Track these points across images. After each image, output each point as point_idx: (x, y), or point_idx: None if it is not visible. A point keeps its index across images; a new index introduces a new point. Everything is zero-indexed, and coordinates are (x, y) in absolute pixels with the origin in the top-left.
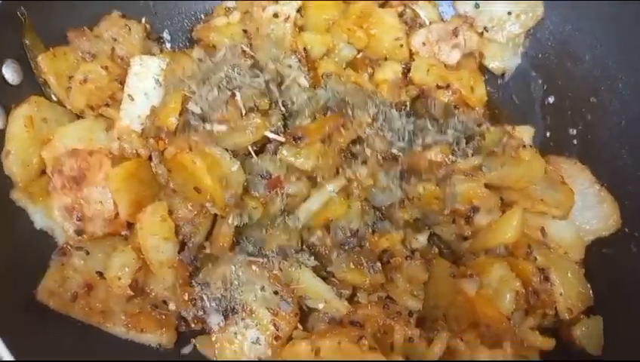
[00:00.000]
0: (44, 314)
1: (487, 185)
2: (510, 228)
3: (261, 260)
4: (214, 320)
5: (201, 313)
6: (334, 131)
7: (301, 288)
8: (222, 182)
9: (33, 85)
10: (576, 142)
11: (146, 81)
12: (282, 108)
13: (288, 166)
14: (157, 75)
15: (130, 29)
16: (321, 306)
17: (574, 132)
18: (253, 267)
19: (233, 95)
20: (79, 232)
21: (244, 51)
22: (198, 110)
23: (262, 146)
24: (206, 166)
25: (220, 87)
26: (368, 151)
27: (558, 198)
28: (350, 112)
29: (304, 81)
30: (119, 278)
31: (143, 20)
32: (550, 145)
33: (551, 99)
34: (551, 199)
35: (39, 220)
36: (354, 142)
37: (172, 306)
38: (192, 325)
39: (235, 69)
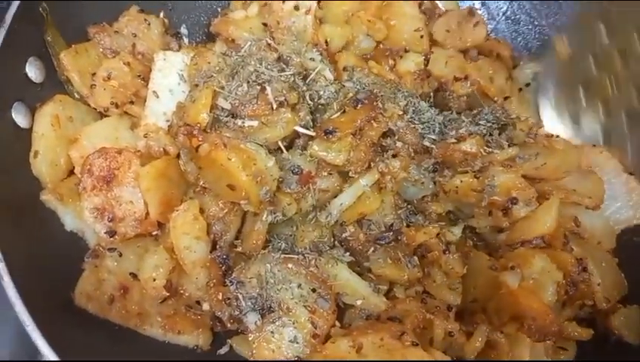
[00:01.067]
0: (83, 316)
1: (523, 176)
2: (549, 218)
3: (297, 257)
4: (251, 319)
5: (237, 312)
6: (365, 124)
7: (338, 284)
8: (257, 178)
9: (55, 83)
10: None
11: (170, 77)
12: (309, 102)
13: (319, 161)
14: (181, 71)
15: (149, 24)
16: (359, 303)
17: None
18: (289, 264)
19: (263, 89)
20: (111, 233)
21: (269, 44)
22: (227, 105)
23: (290, 141)
24: (241, 162)
25: (249, 81)
26: (399, 144)
27: (590, 188)
28: (380, 104)
29: (329, 74)
30: (154, 279)
31: (162, 15)
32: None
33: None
34: (584, 189)
35: (70, 222)
36: (384, 135)
37: (206, 306)
38: (228, 325)
39: (264, 63)
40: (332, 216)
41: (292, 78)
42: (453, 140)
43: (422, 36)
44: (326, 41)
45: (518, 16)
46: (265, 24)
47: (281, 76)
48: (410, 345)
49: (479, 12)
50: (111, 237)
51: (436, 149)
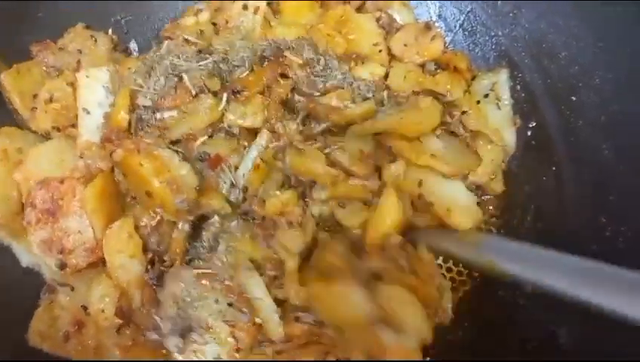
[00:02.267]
0: (40, 355)
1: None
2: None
3: (210, 271)
4: (172, 343)
5: (157, 336)
6: (273, 81)
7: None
8: (171, 186)
9: (8, 115)
10: (559, 139)
11: (97, 91)
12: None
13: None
14: (106, 84)
15: (96, 41)
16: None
17: (556, 130)
18: (203, 280)
19: (180, 79)
20: (62, 266)
21: (187, 40)
22: (148, 102)
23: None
24: (153, 168)
25: (166, 75)
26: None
27: (454, 157)
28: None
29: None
30: (102, 311)
31: (110, 31)
32: (532, 144)
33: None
34: (445, 156)
35: (25, 257)
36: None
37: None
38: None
39: (181, 56)
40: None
41: (211, 65)
42: (318, 94)
43: (380, 50)
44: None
45: (474, 28)
46: (214, 23)
47: (199, 65)
48: None
49: (436, 25)
50: (62, 269)
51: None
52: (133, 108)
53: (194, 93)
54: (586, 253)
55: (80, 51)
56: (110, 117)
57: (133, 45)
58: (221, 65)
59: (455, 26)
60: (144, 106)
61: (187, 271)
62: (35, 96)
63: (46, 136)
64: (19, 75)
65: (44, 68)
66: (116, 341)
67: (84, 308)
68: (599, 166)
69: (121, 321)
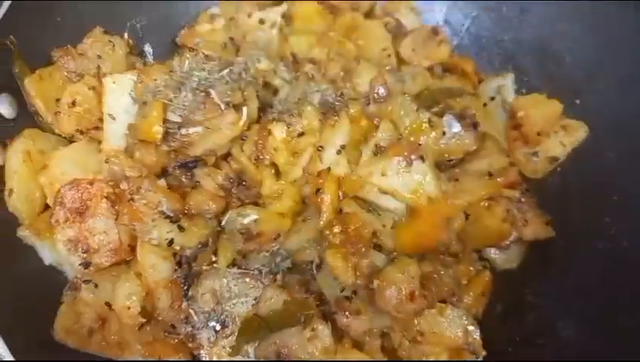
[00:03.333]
0: (64, 350)
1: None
2: None
3: (252, 272)
4: (205, 336)
5: (190, 329)
6: None
7: None
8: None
9: (27, 117)
10: None
11: (123, 98)
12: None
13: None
14: (131, 91)
15: (114, 46)
16: None
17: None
18: (247, 279)
19: (207, 94)
20: (86, 265)
21: (206, 55)
22: (177, 118)
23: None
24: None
25: (194, 92)
26: None
27: None
28: None
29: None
30: (128, 308)
31: (126, 35)
32: None
33: None
34: None
35: (48, 256)
36: None
37: (179, 329)
38: (189, 344)
39: (206, 69)
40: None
41: (235, 76)
42: None
43: (389, 55)
44: (292, 53)
45: (480, 33)
46: (232, 38)
47: (222, 77)
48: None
49: (443, 29)
50: (86, 268)
51: None
52: (163, 121)
53: (223, 107)
54: (590, 250)
55: (99, 56)
56: (141, 128)
57: (148, 49)
58: (243, 75)
59: (461, 31)
60: (173, 121)
61: (232, 269)
62: (57, 100)
63: (69, 139)
64: (41, 80)
65: (65, 73)
66: (137, 337)
67: (108, 304)
68: (603, 167)
69: (144, 320)
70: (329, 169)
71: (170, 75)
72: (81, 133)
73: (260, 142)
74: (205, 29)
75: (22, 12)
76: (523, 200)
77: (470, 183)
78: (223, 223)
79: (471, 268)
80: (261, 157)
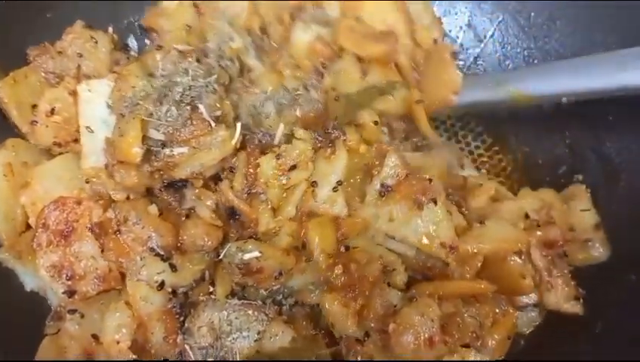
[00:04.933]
0: None
1: None
2: None
3: (256, 303)
4: None
5: None
6: None
7: None
8: None
9: (10, 126)
10: (592, 159)
11: (99, 107)
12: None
13: None
14: (108, 99)
15: (96, 42)
16: None
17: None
18: (250, 311)
19: (194, 108)
20: (71, 293)
21: (181, 52)
22: (161, 136)
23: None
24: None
25: (178, 103)
26: None
27: None
28: None
29: (256, 64)
30: (117, 342)
31: (110, 30)
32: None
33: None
34: None
35: (29, 281)
36: None
37: None
38: None
39: (188, 73)
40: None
41: (216, 85)
42: None
43: None
44: (261, 28)
45: (505, 39)
46: (197, 6)
47: (207, 86)
48: None
49: (465, 34)
50: (70, 297)
51: None
52: (143, 139)
53: (213, 125)
54: (619, 279)
55: (80, 55)
56: (118, 147)
57: (132, 43)
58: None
59: (485, 37)
60: (155, 139)
61: (232, 300)
62: (34, 106)
63: (50, 151)
64: (15, 83)
65: (42, 74)
66: None
67: (95, 337)
68: (636, 188)
69: (134, 356)
70: (309, 214)
71: (149, 80)
72: (59, 145)
73: (250, 172)
74: (171, 5)
75: (8, 9)
76: (556, 262)
77: (497, 230)
78: (222, 256)
79: (496, 309)
80: (253, 191)
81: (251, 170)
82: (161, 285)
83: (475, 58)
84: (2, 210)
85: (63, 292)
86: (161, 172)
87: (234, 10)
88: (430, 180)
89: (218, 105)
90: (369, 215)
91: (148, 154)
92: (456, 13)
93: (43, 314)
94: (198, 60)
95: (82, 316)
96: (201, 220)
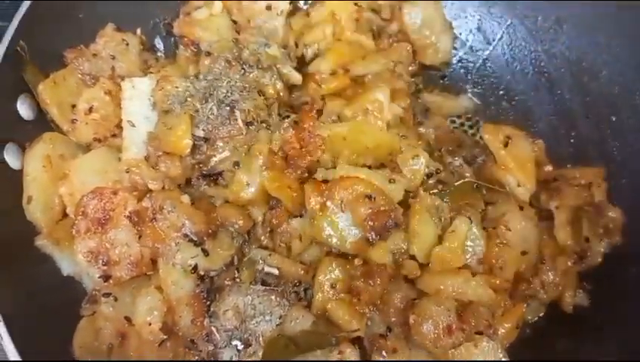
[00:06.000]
0: None
1: None
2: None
3: (280, 289)
4: (227, 355)
5: (211, 347)
6: None
7: None
8: None
9: (48, 120)
10: (597, 158)
11: (143, 103)
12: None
13: None
14: (151, 96)
15: (127, 44)
16: None
17: (594, 150)
18: (272, 296)
19: (232, 109)
20: (105, 277)
21: (228, 61)
22: (201, 133)
23: None
24: None
25: (219, 104)
26: None
27: None
28: None
29: (293, 73)
30: (149, 324)
31: (139, 32)
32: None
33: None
34: None
35: (66, 267)
36: None
37: (200, 346)
38: None
39: (231, 79)
40: None
41: (261, 99)
42: None
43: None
44: (296, 44)
45: (513, 42)
46: (234, 21)
47: (248, 94)
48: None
49: (474, 37)
50: (105, 281)
51: None
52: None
53: (244, 131)
54: (621, 272)
55: (113, 57)
56: (166, 140)
57: (159, 44)
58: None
59: (494, 40)
60: (197, 136)
61: (256, 285)
62: (73, 106)
63: (87, 146)
64: (55, 85)
65: (79, 75)
66: (158, 353)
67: (128, 319)
68: (638, 186)
69: (165, 336)
70: None
71: (192, 81)
72: (99, 141)
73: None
74: (202, 15)
75: (43, 13)
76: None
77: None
78: (247, 256)
79: (506, 299)
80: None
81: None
82: (195, 268)
83: (484, 60)
84: (42, 200)
85: (99, 277)
86: (201, 164)
87: (271, 26)
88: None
89: (253, 111)
90: None
91: (193, 148)
92: (466, 17)
93: (78, 298)
94: (243, 69)
95: (116, 299)
96: (234, 206)
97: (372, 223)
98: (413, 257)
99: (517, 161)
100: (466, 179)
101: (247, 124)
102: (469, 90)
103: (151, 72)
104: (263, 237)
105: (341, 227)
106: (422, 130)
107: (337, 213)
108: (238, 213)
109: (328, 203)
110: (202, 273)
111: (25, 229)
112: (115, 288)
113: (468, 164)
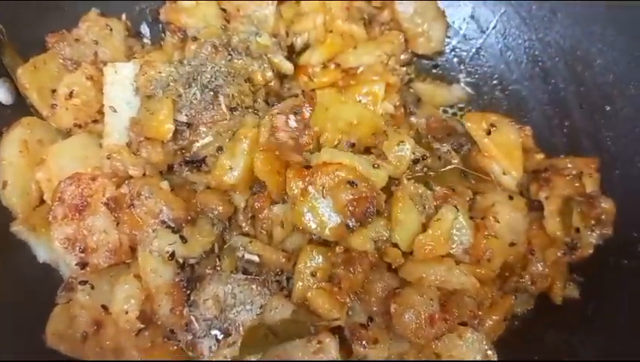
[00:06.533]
0: (56, 355)
1: None
2: None
3: (261, 278)
4: (206, 344)
5: (190, 337)
6: None
7: None
8: None
9: (27, 105)
10: (590, 148)
11: (125, 89)
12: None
13: None
14: (134, 82)
15: (111, 30)
16: None
17: (588, 139)
18: (253, 285)
19: (216, 96)
20: (83, 265)
21: (215, 46)
22: (184, 118)
23: None
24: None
25: (202, 89)
26: None
27: None
28: None
29: (284, 62)
30: (126, 312)
31: (124, 17)
32: (563, 151)
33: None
34: None
35: (43, 253)
36: None
37: (179, 335)
38: (189, 353)
39: (216, 64)
40: None
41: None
42: None
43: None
44: (287, 33)
45: (507, 31)
46: (224, 10)
47: (233, 79)
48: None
49: (468, 25)
50: (82, 269)
51: None
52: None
53: (228, 116)
54: (612, 263)
55: (96, 42)
56: (148, 125)
57: (144, 30)
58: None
59: (487, 28)
60: (179, 121)
61: (237, 274)
62: (53, 91)
63: (67, 131)
64: (35, 69)
65: (60, 60)
66: (135, 342)
67: (105, 307)
68: (631, 177)
69: (142, 325)
70: None
71: (177, 66)
72: (79, 126)
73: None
74: (189, 4)
75: None
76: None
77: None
78: (228, 243)
79: (494, 290)
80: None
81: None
82: (172, 256)
83: (478, 49)
84: (18, 185)
85: (76, 264)
86: (183, 150)
87: (261, 14)
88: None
89: (237, 96)
90: None
91: (175, 134)
92: (459, 5)
93: (54, 285)
94: (230, 55)
95: (92, 287)
96: (215, 192)
97: (352, 209)
98: (395, 245)
99: (501, 148)
100: (453, 165)
101: (232, 109)
102: (462, 80)
103: (135, 58)
104: (244, 224)
105: (321, 213)
106: (413, 119)
107: (318, 199)
108: (219, 198)
109: (310, 188)
110: (181, 260)
111: (1, 215)
112: (93, 276)
113: (455, 152)
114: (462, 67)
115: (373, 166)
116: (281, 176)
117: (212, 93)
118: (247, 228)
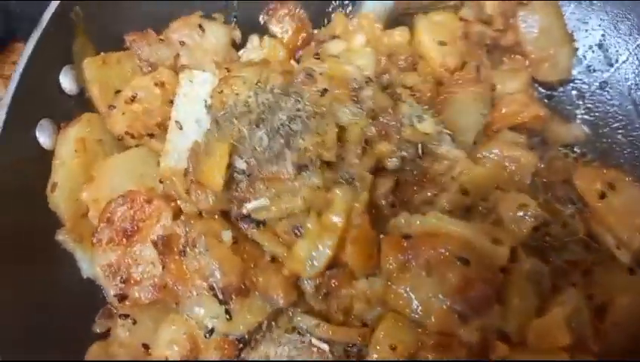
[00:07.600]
0: None
1: None
2: None
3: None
4: None
5: None
6: None
7: None
8: None
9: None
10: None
11: (198, 104)
12: None
13: None
14: (207, 97)
15: (204, 31)
16: None
17: None
18: (314, 349)
19: (286, 146)
20: (122, 297)
21: (309, 75)
22: (243, 165)
23: None
24: None
25: (274, 134)
26: None
27: None
28: None
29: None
30: (166, 357)
31: (233, 23)
32: None
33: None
34: None
35: (87, 268)
36: None
37: None
38: None
39: (298, 104)
40: None
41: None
42: None
43: None
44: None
45: None
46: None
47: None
48: None
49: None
50: (120, 301)
51: None
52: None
53: (293, 175)
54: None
55: (183, 43)
56: (199, 169)
57: (237, 34)
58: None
59: (617, 60)
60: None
61: (292, 335)
62: (117, 92)
63: (119, 139)
64: (104, 64)
65: (137, 61)
66: None
67: (146, 346)
68: None
69: None
70: None
71: (257, 91)
72: (132, 136)
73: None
74: (337, 49)
75: None
76: None
77: None
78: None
79: None
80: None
81: None
82: (211, 332)
83: (602, 83)
84: (67, 187)
85: (114, 295)
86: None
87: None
88: None
89: (311, 150)
90: None
91: (230, 181)
92: (587, 30)
93: (95, 305)
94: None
95: (134, 322)
96: (278, 273)
97: (466, 295)
98: (503, 334)
99: (618, 215)
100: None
101: (299, 168)
102: (579, 117)
103: (225, 68)
104: (313, 302)
105: (425, 295)
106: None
107: (421, 277)
108: (283, 284)
109: (412, 263)
110: (217, 337)
111: (49, 220)
112: (135, 309)
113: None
114: (580, 102)
115: (493, 240)
116: (372, 257)
117: (282, 141)
118: (317, 307)
